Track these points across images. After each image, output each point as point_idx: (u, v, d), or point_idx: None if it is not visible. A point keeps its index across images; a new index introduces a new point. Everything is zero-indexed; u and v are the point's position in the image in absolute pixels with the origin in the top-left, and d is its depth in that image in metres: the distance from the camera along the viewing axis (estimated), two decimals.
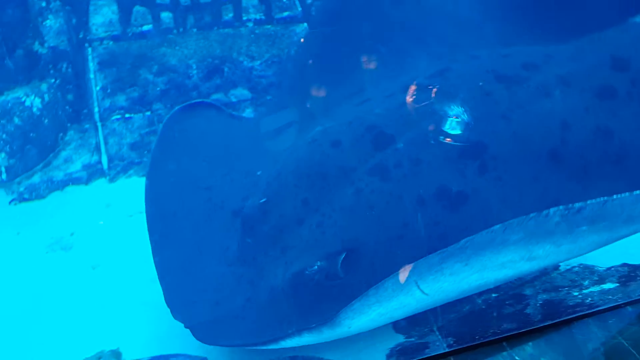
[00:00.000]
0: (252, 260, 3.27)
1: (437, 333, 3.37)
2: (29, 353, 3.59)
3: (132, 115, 5.33)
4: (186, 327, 3.17)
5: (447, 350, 3.24)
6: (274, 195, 3.34)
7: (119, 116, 5.30)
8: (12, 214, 4.61)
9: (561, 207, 2.79)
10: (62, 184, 4.82)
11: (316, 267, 3.06)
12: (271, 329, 3.06)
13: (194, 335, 3.13)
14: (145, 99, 5.39)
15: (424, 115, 3.35)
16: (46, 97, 5.00)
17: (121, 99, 5.32)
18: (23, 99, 4.86)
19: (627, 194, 2.82)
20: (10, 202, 4.68)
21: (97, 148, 5.05)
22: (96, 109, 5.26)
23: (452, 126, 3.29)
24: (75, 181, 4.83)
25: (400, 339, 3.34)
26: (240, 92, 5.45)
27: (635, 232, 3.14)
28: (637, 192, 2.81)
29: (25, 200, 4.70)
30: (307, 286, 3.07)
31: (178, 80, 5.48)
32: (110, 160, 4.96)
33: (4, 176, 4.77)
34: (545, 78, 3.42)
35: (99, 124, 5.19)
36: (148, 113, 5.34)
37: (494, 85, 3.40)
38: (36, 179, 4.83)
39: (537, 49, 3.61)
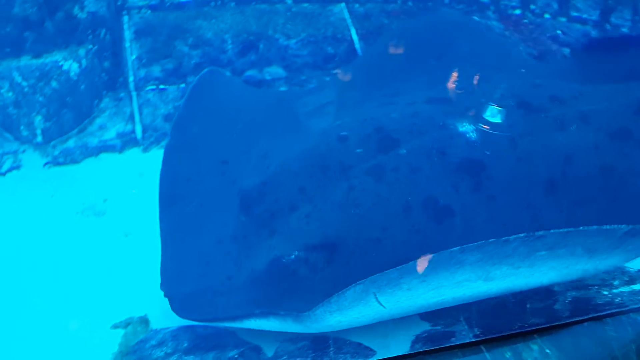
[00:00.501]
0: (243, 239, 3.33)
1: (464, 323, 3.39)
2: (60, 315, 3.65)
3: (167, 86, 5.33)
4: (165, 296, 3.24)
5: (474, 339, 3.28)
6: (274, 178, 3.40)
7: (153, 87, 5.30)
8: (46, 176, 4.63)
9: (522, 234, 2.84)
10: (96, 151, 4.84)
11: (293, 256, 3.11)
12: (239, 307, 3.11)
13: (170, 306, 3.20)
14: (179, 71, 5.39)
15: (433, 127, 3.39)
16: (83, 62, 4.99)
17: (156, 70, 5.32)
18: (61, 63, 4.86)
19: (594, 227, 2.85)
20: (44, 165, 4.71)
21: (132, 117, 5.06)
22: (131, 78, 5.27)
23: (457, 141, 3.31)
24: (109, 149, 4.85)
25: (426, 326, 3.37)
26: (275, 70, 5.44)
27: (607, 267, 3.16)
28: (606, 226, 2.84)
29: (59, 164, 4.73)
30: (282, 273, 3.12)
31: (213, 55, 5.47)
32: (144, 130, 4.97)
33: (39, 138, 4.79)
34: (566, 112, 3.45)
35: (133, 94, 5.19)
36: (182, 85, 5.32)
37: (513, 109, 3.44)
38: (71, 143, 4.85)
39: (572, 86, 3.64)
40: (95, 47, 5.13)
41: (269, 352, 3.29)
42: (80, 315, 3.67)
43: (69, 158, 4.77)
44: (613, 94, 3.63)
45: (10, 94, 4.75)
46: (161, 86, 5.36)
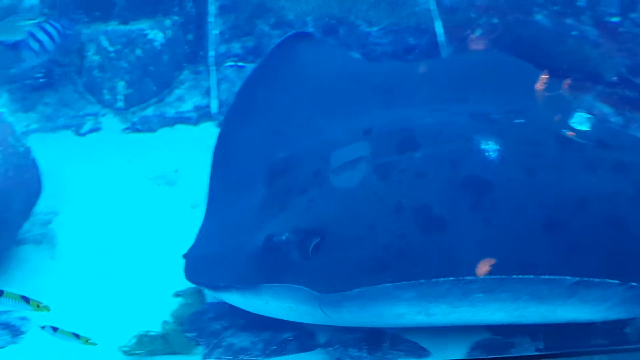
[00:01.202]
0: (260, 210, 3.41)
1: (527, 335, 3.31)
2: (125, 282, 3.72)
3: (245, 64, 5.36)
4: (183, 257, 3.37)
5: (535, 353, 3.20)
6: (298, 156, 3.46)
7: (232, 63, 5.33)
8: (124, 141, 4.78)
9: (451, 278, 2.82)
10: (172, 121, 4.94)
11: (284, 237, 3.11)
12: (237, 279, 3.18)
13: (184, 268, 3.32)
14: (259, 50, 5.40)
15: (459, 138, 3.30)
16: (168, 33, 5.08)
17: (236, 47, 5.34)
18: (147, 32, 4.97)
19: (530, 276, 2.77)
20: (123, 130, 4.85)
21: (209, 92, 5.12)
22: (212, 53, 5.31)
23: (474, 157, 3.19)
24: (185, 120, 4.94)
25: (487, 334, 3.30)
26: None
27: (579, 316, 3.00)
28: (544, 276, 2.76)
29: (137, 130, 4.86)
30: (272, 252, 3.13)
31: None
32: (220, 105, 5.02)
33: (121, 104, 4.93)
34: (602, 158, 3.24)
35: (212, 68, 5.24)
36: None
37: (549, 142, 3.27)
38: (149, 112, 4.97)
39: (630, 136, 3.46)
40: (181, 19, 5.21)
41: (322, 339, 3.30)
42: (146, 282, 3.73)
43: (146, 126, 4.89)
44: None
45: (96, 57, 4.91)
46: (240, 63, 5.41)
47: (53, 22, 4.34)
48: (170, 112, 4.97)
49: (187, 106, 5.02)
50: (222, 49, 5.36)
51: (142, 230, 4.04)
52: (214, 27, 5.35)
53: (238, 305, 3.26)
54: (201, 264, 3.30)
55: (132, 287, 3.67)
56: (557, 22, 5.73)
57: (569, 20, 5.68)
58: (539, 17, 5.79)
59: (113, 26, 4.97)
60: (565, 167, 3.17)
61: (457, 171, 3.16)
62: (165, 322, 3.43)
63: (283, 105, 4.02)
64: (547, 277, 2.78)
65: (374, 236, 3.06)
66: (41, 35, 4.27)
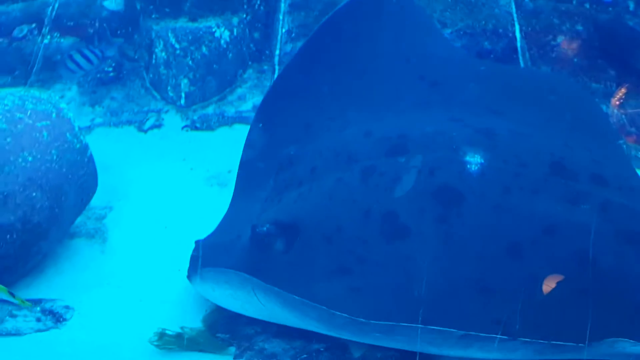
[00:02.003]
0: (264, 201, 3.47)
1: None
2: (169, 280, 3.78)
3: None
4: (195, 242, 3.45)
5: None
6: (303, 152, 3.48)
7: None
8: (183, 139, 4.85)
9: (345, 314, 2.77)
10: (231, 120, 4.98)
11: (265, 228, 3.13)
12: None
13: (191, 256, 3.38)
14: None
15: (446, 148, 3.24)
16: (235, 31, 5.11)
17: None
18: (214, 30, 5.01)
19: (418, 325, 2.70)
20: (182, 128, 4.93)
21: None
22: (277, 52, 5.31)
23: (453, 167, 3.13)
24: (244, 120, 4.94)
25: None
26: None
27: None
28: (431, 327, 2.67)
29: (196, 129, 4.92)
30: (254, 243, 3.16)
31: None
32: None
33: (182, 101, 5.01)
34: (594, 193, 3.01)
35: (277, 67, 5.23)
36: None
37: (540, 166, 3.10)
38: (210, 110, 5.03)
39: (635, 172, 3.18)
40: (249, 16, 5.24)
41: (356, 353, 3.25)
42: (183, 278, 3.69)
43: (205, 124, 4.95)
44: None
45: (163, 53, 5.00)
46: None
47: (92, 48, 4.69)
48: (230, 111, 5.01)
49: (247, 106, 5.04)
50: (288, 47, 5.33)
51: (190, 230, 4.08)
52: (282, 25, 5.34)
53: (204, 295, 3.32)
54: (204, 254, 3.36)
55: (176, 285, 3.71)
56: None
57: None
58: (629, 24, 5.44)
59: (182, 23, 5.04)
60: (543, 194, 3.01)
61: (432, 180, 3.11)
62: (201, 322, 3.48)
63: (322, 93, 3.95)
64: (435, 327, 2.66)
65: (339, 239, 3.06)
66: (78, 58, 4.59)
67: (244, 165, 3.82)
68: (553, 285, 2.79)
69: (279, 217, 3.20)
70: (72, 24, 5.23)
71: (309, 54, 4.03)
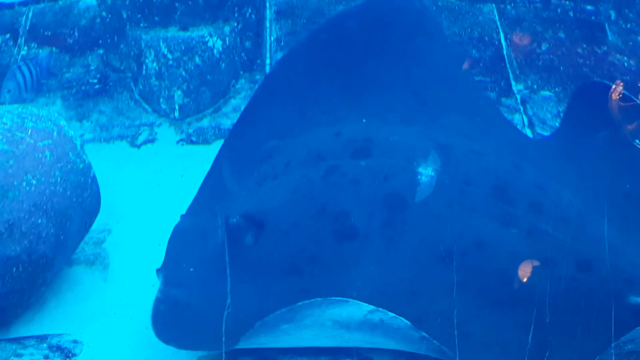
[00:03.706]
0: (246, 192, 3.55)
1: None
2: None
3: None
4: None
5: None
6: (282, 147, 3.59)
7: None
8: (178, 154, 4.61)
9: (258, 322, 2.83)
10: (228, 133, 4.68)
11: (235, 220, 3.23)
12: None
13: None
14: None
15: (403, 154, 3.36)
16: (227, 40, 4.90)
17: None
18: (207, 39, 4.79)
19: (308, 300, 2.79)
20: (178, 142, 4.68)
21: None
22: (268, 61, 5.14)
23: (404, 175, 3.26)
24: None
25: None
26: None
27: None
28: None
29: (192, 142, 4.69)
30: (228, 233, 3.23)
31: None
32: None
33: (176, 114, 4.75)
34: (525, 219, 3.15)
35: None
36: None
37: (483, 185, 3.24)
38: (205, 123, 4.80)
39: (577, 212, 3.29)
40: (240, 25, 5.03)
41: None
42: None
43: (201, 138, 4.72)
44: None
45: (154, 64, 4.74)
46: None
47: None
48: (226, 123, 4.78)
49: None
50: (278, 56, 5.15)
51: None
52: (270, 34, 5.17)
53: None
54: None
55: None
56: (627, 39, 5.46)
57: None
58: (608, 33, 5.52)
59: (173, 32, 4.80)
60: (479, 213, 3.17)
61: (384, 185, 3.24)
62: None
63: (315, 90, 4.01)
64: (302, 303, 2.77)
65: (294, 234, 3.19)
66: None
67: (224, 155, 3.90)
68: (471, 294, 3.01)
69: (249, 209, 3.30)
70: (49, 33, 4.90)
71: (307, 50, 4.13)
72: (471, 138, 3.59)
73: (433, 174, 3.24)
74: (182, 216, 3.62)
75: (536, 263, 3.03)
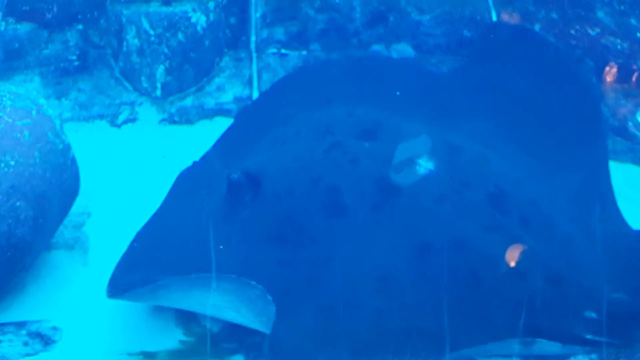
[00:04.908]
0: (252, 152, 3.65)
1: None
2: None
3: (289, 52, 5.05)
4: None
5: None
6: (296, 115, 3.70)
7: (275, 50, 5.02)
8: (160, 134, 4.50)
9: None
10: (212, 113, 4.64)
11: (237, 176, 3.30)
12: None
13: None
14: (303, 36, 5.07)
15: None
16: (211, 16, 4.73)
17: (279, 32, 5.02)
18: (190, 15, 4.62)
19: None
20: (160, 122, 4.56)
21: (250, 81, 4.83)
22: (253, 38, 5.00)
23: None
24: (225, 113, 4.63)
25: None
26: (403, 48, 5.04)
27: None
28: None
29: (174, 122, 4.56)
30: (228, 187, 3.34)
31: (339, 22, 5.11)
32: None
33: (158, 92, 4.60)
34: (509, 230, 3.17)
35: (254, 55, 4.93)
36: (304, 52, 5.02)
37: (482, 192, 3.26)
38: (188, 102, 4.67)
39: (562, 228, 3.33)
40: (225, 0, 4.87)
41: None
42: None
43: (184, 118, 4.60)
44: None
45: (136, 40, 4.58)
46: (283, 50, 5.10)
47: None
48: (210, 103, 4.67)
49: (228, 97, 4.71)
50: (264, 33, 5.03)
51: None
52: (256, 10, 5.02)
53: None
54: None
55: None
56: (620, 21, 5.43)
57: (633, 21, 5.37)
58: (600, 13, 5.48)
59: (155, 7, 4.60)
60: (468, 214, 3.19)
61: (381, 170, 3.27)
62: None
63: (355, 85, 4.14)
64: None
65: (288, 200, 3.24)
66: None
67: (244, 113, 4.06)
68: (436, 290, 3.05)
69: (251, 168, 3.37)
70: (27, 8, 4.64)
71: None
72: (489, 146, 3.60)
73: (432, 169, 3.27)
74: (194, 162, 3.75)
75: (509, 269, 3.08)
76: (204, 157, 3.82)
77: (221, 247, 3.23)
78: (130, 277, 3.03)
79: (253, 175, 3.31)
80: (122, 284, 2.99)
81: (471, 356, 3.00)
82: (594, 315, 2.98)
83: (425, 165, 3.28)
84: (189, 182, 3.64)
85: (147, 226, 3.39)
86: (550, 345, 2.94)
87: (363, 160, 3.29)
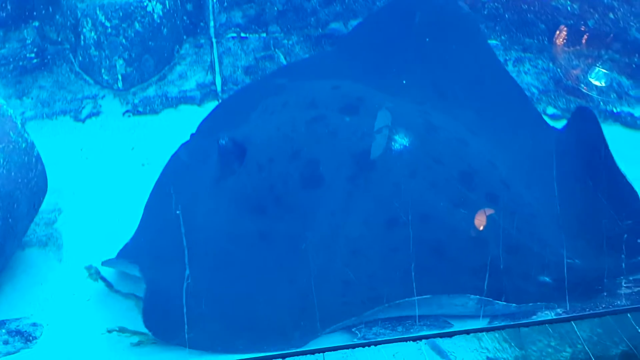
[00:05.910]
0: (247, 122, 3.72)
1: None
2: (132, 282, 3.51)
3: (248, 35, 5.07)
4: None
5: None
6: (286, 86, 3.79)
7: (234, 34, 5.04)
8: (126, 126, 4.47)
9: None
10: (175, 101, 4.63)
11: (224, 141, 3.41)
12: None
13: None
14: (261, 19, 5.09)
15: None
16: (167, 3, 4.70)
17: (237, 15, 5.04)
18: (145, 4, 4.58)
19: None
20: (124, 114, 4.53)
21: (212, 67, 4.83)
22: (212, 23, 5.00)
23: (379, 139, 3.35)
24: (189, 100, 4.64)
25: None
26: None
27: None
28: None
29: (139, 113, 4.54)
30: (217, 151, 3.44)
31: (296, 2, 5.14)
32: (224, 82, 4.75)
33: (120, 84, 4.59)
34: (476, 204, 3.27)
35: (214, 40, 4.95)
36: (264, 35, 5.05)
37: (454, 169, 3.33)
38: (151, 92, 4.65)
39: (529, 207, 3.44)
40: None
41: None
42: None
43: (148, 108, 4.58)
44: None
45: (92, 33, 4.53)
46: (242, 34, 5.10)
47: None
48: (173, 91, 4.66)
49: (190, 84, 4.70)
50: (222, 18, 5.03)
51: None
52: None
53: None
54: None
55: (140, 285, 3.40)
56: None
57: None
58: None
59: None
60: (437, 189, 3.27)
61: (359, 144, 3.33)
62: None
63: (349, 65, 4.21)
64: None
65: (268, 170, 3.32)
66: None
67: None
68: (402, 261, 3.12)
69: (238, 135, 3.46)
70: None
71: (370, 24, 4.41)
72: (471, 131, 3.67)
73: (407, 145, 3.33)
74: (191, 135, 3.84)
75: (471, 238, 3.19)
76: (199, 128, 3.90)
77: (210, 216, 3.32)
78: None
79: (239, 142, 3.40)
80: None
81: (430, 302, 3.05)
82: (547, 279, 3.13)
83: (400, 141, 3.34)
84: (188, 154, 3.71)
85: (148, 206, 3.53)
86: (507, 306, 3.04)
87: (341, 134, 3.35)
